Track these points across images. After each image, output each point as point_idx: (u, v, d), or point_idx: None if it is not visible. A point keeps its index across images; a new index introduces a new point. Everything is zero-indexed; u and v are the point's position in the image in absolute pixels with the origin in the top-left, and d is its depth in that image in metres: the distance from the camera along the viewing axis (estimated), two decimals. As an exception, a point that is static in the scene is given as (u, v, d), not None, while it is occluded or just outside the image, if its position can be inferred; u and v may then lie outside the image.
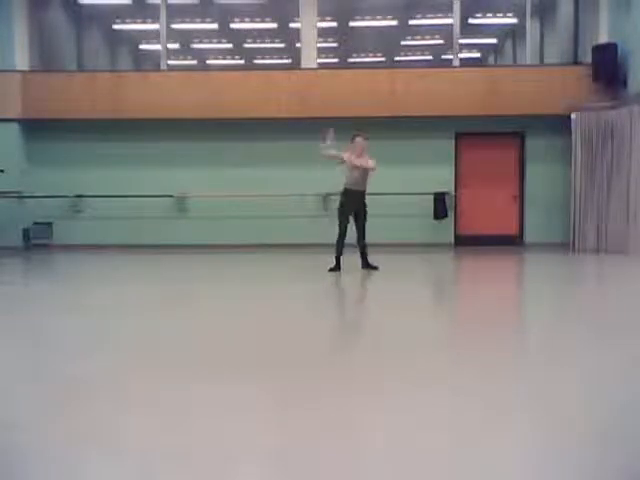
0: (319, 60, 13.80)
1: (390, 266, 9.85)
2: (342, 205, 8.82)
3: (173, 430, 2.87)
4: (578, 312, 6.00)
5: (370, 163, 8.64)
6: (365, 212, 8.80)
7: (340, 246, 8.72)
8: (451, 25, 13.70)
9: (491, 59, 22.10)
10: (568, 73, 12.46)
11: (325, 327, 5.35)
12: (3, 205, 12.96)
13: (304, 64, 13.19)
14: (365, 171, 8.71)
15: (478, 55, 22.27)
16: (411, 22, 18.43)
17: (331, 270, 8.64)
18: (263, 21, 18.46)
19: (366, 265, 8.91)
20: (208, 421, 2.99)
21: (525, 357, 4.27)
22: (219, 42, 20.96)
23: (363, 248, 8.87)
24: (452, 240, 13.09)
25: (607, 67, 11.77)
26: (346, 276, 8.45)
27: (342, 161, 8.74)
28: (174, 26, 17.13)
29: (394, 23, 18.50)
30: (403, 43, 20.77)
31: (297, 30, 14.07)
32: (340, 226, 8.78)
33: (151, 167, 13.14)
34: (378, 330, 5.14)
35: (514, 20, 17.87)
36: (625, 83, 11.75)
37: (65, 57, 17.08)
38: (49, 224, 13.17)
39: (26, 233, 13.12)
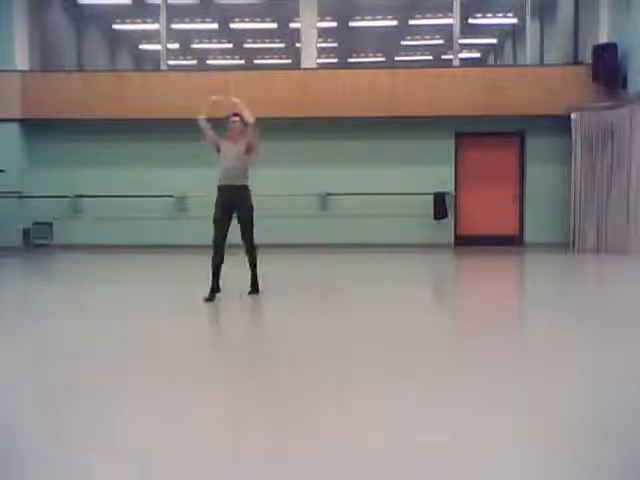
0: (319, 60, 13.81)
1: (390, 266, 9.86)
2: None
3: (172, 430, 2.87)
4: (578, 312, 6.00)
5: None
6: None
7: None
8: (451, 25, 13.70)
9: (491, 59, 22.11)
10: (568, 73, 12.45)
11: (324, 327, 5.34)
12: (3, 205, 12.96)
13: (304, 64, 13.18)
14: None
15: (478, 55, 22.28)
16: (411, 22, 18.44)
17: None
18: (263, 21, 18.46)
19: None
20: (208, 421, 2.99)
21: (525, 357, 4.26)
22: (219, 42, 20.96)
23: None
24: (452, 240, 13.08)
25: (607, 67, 11.77)
26: (342, 277, 8.42)
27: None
28: (174, 26, 17.14)
29: (394, 23, 18.51)
30: (403, 43, 20.78)
31: (297, 30, 14.07)
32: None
33: (151, 167, 13.14)
34: (378, 330, 5.13)
35: (514, 20, 17.89)
36: (625, 83, 11.74)
37: (65, 57, 17.09)
38: (49, 224, 13.17)
39: (26, 233, 13.13)
